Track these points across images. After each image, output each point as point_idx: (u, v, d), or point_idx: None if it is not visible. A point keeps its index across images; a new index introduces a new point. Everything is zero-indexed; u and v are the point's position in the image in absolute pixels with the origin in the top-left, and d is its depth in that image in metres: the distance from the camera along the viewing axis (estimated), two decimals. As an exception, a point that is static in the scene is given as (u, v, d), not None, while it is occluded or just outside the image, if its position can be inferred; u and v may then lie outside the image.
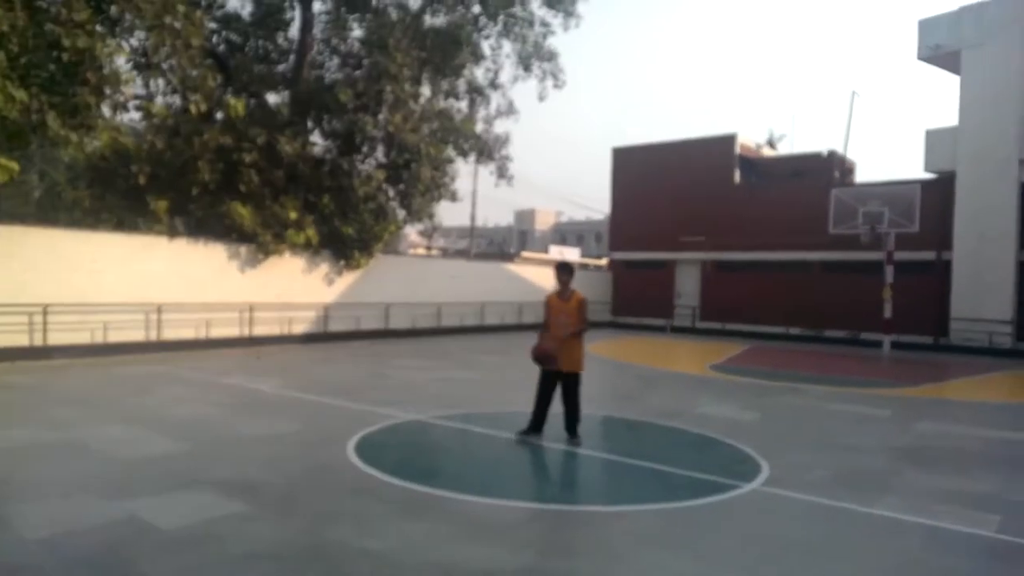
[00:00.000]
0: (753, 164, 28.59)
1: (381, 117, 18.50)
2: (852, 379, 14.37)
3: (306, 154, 17.90)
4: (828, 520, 5.28)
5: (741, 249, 26.42)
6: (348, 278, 19.35)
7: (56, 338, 13.11)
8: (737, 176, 27.17)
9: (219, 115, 16.67)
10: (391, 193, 20.18)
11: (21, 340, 12.74)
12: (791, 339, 24.24)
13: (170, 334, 14.96)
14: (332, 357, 14.92)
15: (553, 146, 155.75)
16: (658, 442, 7.97)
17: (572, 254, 47.48)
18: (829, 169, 26.59)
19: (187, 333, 15.33)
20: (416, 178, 19.25)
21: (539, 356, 7.32)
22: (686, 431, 8.35)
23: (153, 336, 14.73)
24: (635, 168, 29.37)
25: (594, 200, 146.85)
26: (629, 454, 7.13)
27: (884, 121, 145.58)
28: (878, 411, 10.35)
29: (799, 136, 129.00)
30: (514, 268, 26.91)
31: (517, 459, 6.94)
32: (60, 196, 17.26)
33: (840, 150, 27.89)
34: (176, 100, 16.27)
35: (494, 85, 22.43)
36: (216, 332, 15.88)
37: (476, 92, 22.15)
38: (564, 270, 7.55)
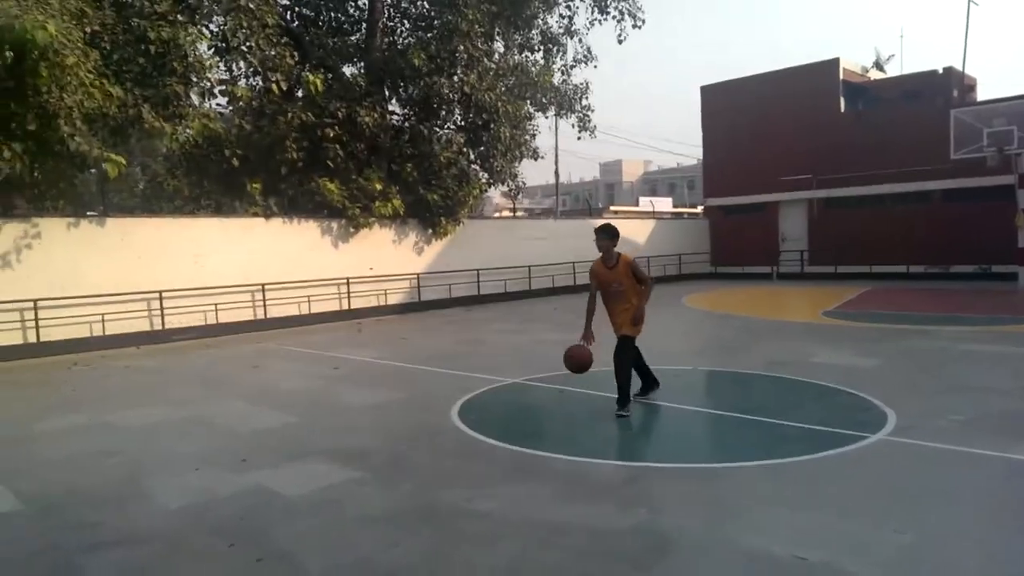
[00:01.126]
0: (860, 90, 26.53)
1: (456, 78, 18.33)
2: (984, 317, 13.27)
3: (385, 124, 18.02)
4: (963, 468, 4.86)
5: (851, 184, 24.68)
6: (437, 246, 19.52)
7: (172, 321, 13.92)
8: (842, 105, 25.31)
9: (299, 92, 16.97)
10: (472, 156, 20.09)
11: (143, 326, 13.60)
12: (913, 278, 22.63)
13: (274, 312, 15.59)
14: (427, 325, 15.15)
15: (637, 91, 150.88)
16: (769, 394, 7.59)
17: (664, 204, 46.18)
18: (947, 88, 24.34)
19: (290, 310, 15.94)
20: (496, 138, 19.04)
21: (573, 365, 6.55)
22: (800, 381, 7.92)
23: (260, 315, 15.40)
24: (727, 106, 27.87)
25: (684, 146, 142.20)
26: (739, 408, 6.83)
27: (1008, 29, 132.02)
28: (1017, 349, 9.51)
29: (909, 55, 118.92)
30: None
31: (614, 417, 6.77)
32: (162, 186, 18.19)
33: (958, 66, 25.44)
34: (258, 81, 16.66)
35: (570, 32, 21.73)
36: (316, 307, 16.43)
37: (551, 42, 21.53)
38: (603, 233, 6.58)
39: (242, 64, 15.34)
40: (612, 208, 42.59)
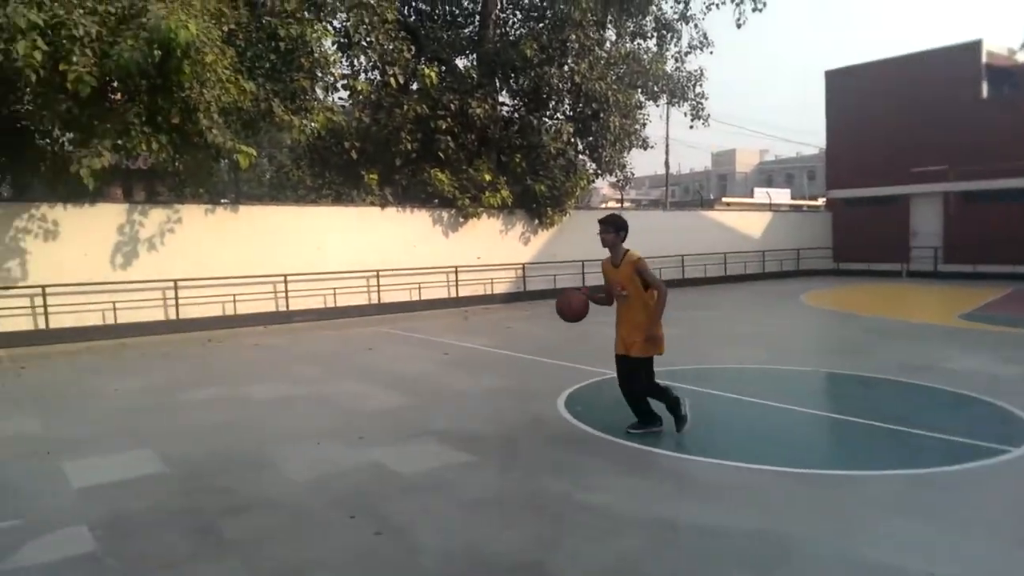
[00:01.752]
0: (1006, 74, 24.18)
1: (566, 68, 18.26)
2: None
3: (496, 115, 18.22)
4: None
5: (994, 176, 22.56)
6: (543, 236, 19.58)
7: (295, 304, 14.75)
8: (985, 90, 23.24)
9: (414, 85, 17.46)
10: (580, 146, 19.98)
11: (269, 307, 14.50)
12: (1066, 279, 20.54)
13: (387, 297, 16.20)
14: (534, 315, 15.25)
15: (755, 77, 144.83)
16: (899, 400, 7.11)
17: (781, 196, 44.11)
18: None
19: (401, 296, 16.50)
20: (605, 128, 18.85)
21: (561, 310, 5.78)
22: (933, 388, 7.37)
23: (373, 300, 16.04)
24: (854, 92, 26.17)
25: (804, 134, 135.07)
26: (866, 414, 6.44)
27: None
28: None
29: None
30: (714, 216, 25.54)
31: (732, 417, 6.57)
32: (287, 176, 19.26)
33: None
34: (376, 75, 17.27)
35: (685, 18, 21.13)
36: (426, 294, 16.91)
37: (665, 28, 21.02)
38: (606, 226, 5.66)
39: (362, 59, 15.97)
40: (724, 199, 41.18)
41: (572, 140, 19.28)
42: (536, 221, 19.26)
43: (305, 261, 15.07)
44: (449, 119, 17.22)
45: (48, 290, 12.08)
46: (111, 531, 4.00)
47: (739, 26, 21.09)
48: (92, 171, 10.61)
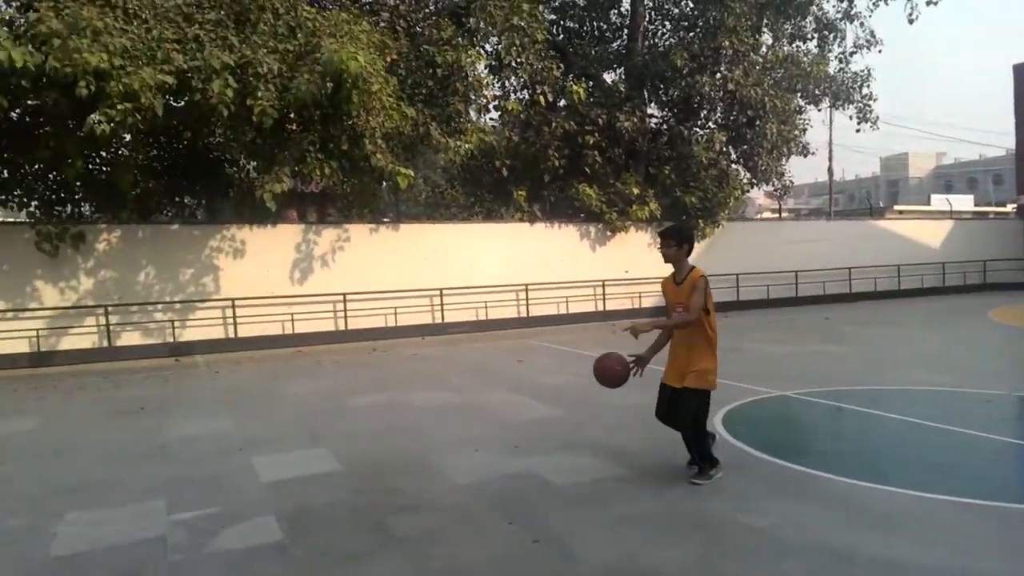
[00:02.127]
0: None
1: (719, 75, 17.74)
2: None
3: (644, 127, 18.05)
4: None
5: None
6: (694, 249, 19.03)
7: (450, 316, 15.40)
8: None
9: (562, 102, 17.72)
10: (734, 155, 19.28)
11: (427, 319, 15.25)
12: None
13: (535, 311, 16.48)
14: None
15: (930, 74, 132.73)
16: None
17: (963, 202, 39.94)
18: None
19: (549, 309, 16.72)
20: (761, 136, 18.07)
21: (599, 376, 5.04)
22: None
23: (522, 313, 16.38)
24: (1047, 86, 23.35)
25: (988, 134, 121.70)
26: (1075, 442, 5.66)
27: None
28: None
29: None
30: (885, 225, 23.60)
31: (911, 442, 6.01)
32: (442, 195, 20.21)
33: None
34: (525, 94, 17.74)
35: (849, 16, 19.82)
36: (573, 308, 17.01)
37: (827, 29, 19.83)
38: (667, 239, 4.98)
39: (513, 80, 16.46)
40: (896, 207, 37.89)
41: (725, 149, 18.66)
42: (686, 234, 18.77)
43: (459, 276, 15.71)
44: (596, 134, 17.29)
45: (237, 302, 13.48)
46: (295, 523, 4.38)
47: (911, 21, 19.47)
48: (273, 195, 11.74)
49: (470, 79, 13.88)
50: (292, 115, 11.96)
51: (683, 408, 4.80)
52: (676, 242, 4.94)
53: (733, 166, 19.44)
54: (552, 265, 16.97)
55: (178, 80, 10.08)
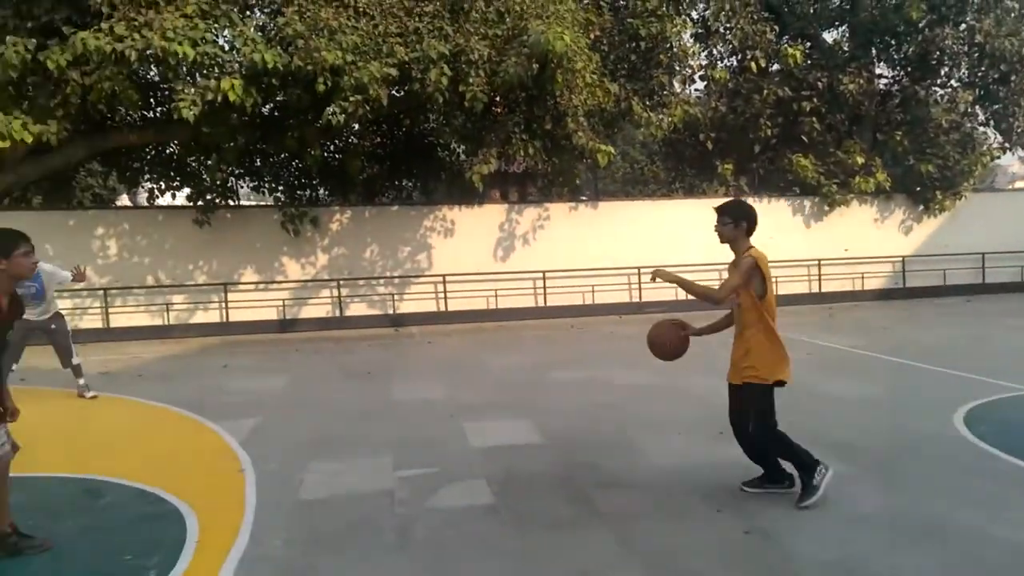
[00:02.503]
0: None
1: (964, 27, 15.45)
2: None
3: (871, 89, 16.29)
4: None
5: None
6: (929, 225, 16.94)
7: (648, 295, 15.17)
8: None
9: (775, 67, 16.51)
10: (981, 117, 16.77)
11: (623, 297, 15.18)
12: None
13: (741, 290, 15.68)
14: (915, 316, 13.33)
15: None
16: None
17: None
18: None
19: (756, 289, 15.81)
20: (1017, 93, 15.50)
21: (653, 344, 4.72)
22: None
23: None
24: None
25: None
26: None
27: None
28: None
29: None
30: None
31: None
32: (642, 172, 19.88)
33: None
34: (733, 61, 16.77)
35: None
36: (784, 289, 15.92)
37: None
38: (723, 214, 4.39)
39: (720, 47, 15.63)
40: None
41: (970, 110, 16.29)
42: (920, 207, 16.75)
43: (658, 254, 15.34)
44: (815, 99, 15.93)
45: (447, 278, 14.38)
46: (504, 488, 4.60)
47: None
48: (481, 176, 12.28)
49: (675, 49, 13.40)
50: (498, 98, 12.38)
51: (746, 407, 4.27)
52: (732, 219, 4.37)
53: (980, 129, 16.92)
54: (760, 243, 15.93)
55: (400, 71, 10.83)
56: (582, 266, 14.92)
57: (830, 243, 16.34)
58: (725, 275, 4.55)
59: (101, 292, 13.09)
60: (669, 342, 4.63)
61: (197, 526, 4.10)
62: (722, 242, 4.46)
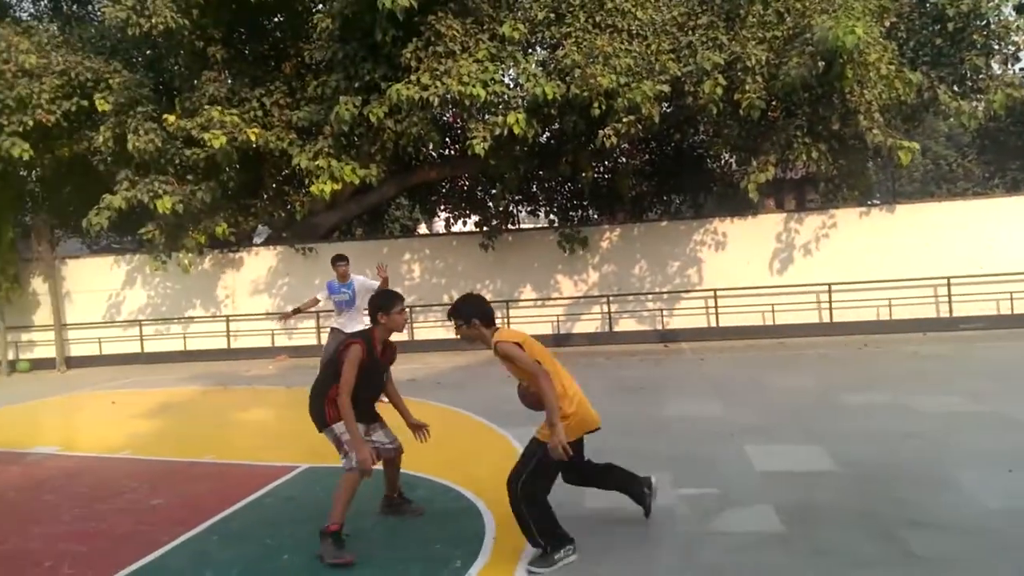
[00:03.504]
0: None
1: None
2: None
3: None
4: None
5: None
6: None
7: (960, 309, 13.13)
8: None
9: None
10: None
11: (929, 312, 13.31)
12: None
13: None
14: None
15: None
16: None
17: None
18: None
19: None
20: None
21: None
22: None
23: (1069, 306, 12.94)
24: None
25: None
26: None
27: None
28: None
29: None
30: None
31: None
32: (950, 168, 17.31)
33: None
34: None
35: None
36: None
37: None
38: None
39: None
40: None
41: None
42: None
43: (972, 261, 13.23)
44: None
45: (718, 293, 13.93)
46: (795, 517, 4.34)
47: None
48: (757, 185, 11.74)
49: (992, 27, 11.50)
50: (775, 102, 11.75)
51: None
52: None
53: None
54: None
55: (671, 87, 10.86)
56: (876, 277, 13.41)
57: None
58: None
59: (408, 309, 15.03)
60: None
61: (494, 523, 4.52)
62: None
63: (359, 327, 8.47)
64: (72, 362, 15.39)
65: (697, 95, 10.83)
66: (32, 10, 15.96)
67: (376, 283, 8.59)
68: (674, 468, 5.45)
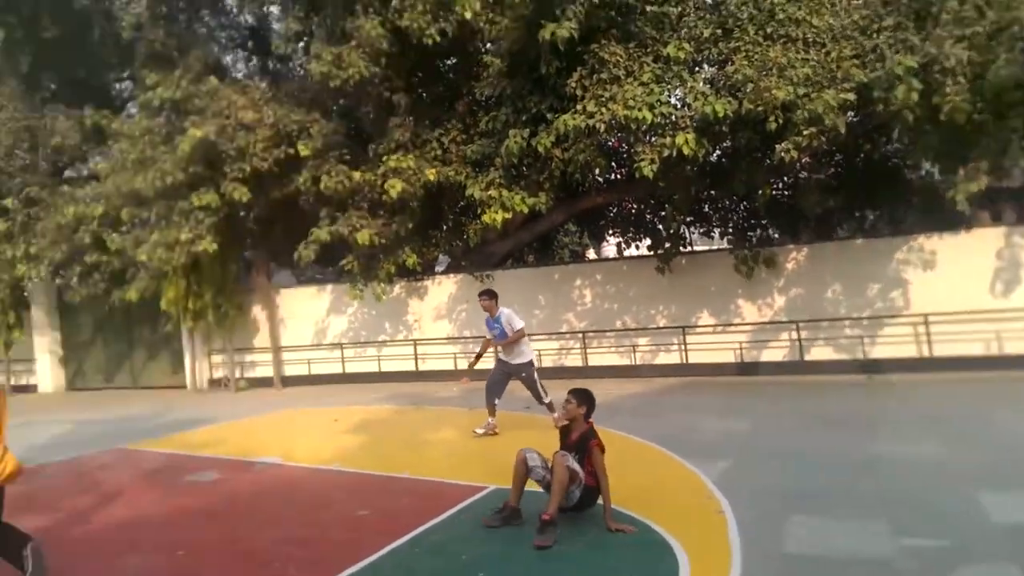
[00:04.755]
0: None
1: None
2: None
3: None
4: None
5: None
6: None
7: None
8: None
9: None
10: None
11: None
12: None
13: None
14: None
15: None
16: None
17: None
18: None
19: None
20: None
21: None
22: None
23: None
24: None
25: None
26: None
27: None
28: None
29: None
30: None
31: None
32: None
33: None
34: None
35: None
36: None
37: None
38: None
39: None
40: None
41: None
42: None
43: None
44: None
45: (930, 318, 12.40)
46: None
47: None
48: (967, 195, 10.42)
49: None
50: (981, 104, 10.42)
51: None
52: None
53: None
54: None
55: (858, 95, 10.05)
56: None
57: None
58: None
59: (580, 335, 14.97)
60: None
61: (688, 563, 4.25)
62: None
63: (519, 360, 8.82)
64: (286, 381, 17.05)
65: (888, 102, 9.87)
66: (245, 69, 18.15)
67: (519, 320, 8.77)
68: (889, 514, 4.85)
